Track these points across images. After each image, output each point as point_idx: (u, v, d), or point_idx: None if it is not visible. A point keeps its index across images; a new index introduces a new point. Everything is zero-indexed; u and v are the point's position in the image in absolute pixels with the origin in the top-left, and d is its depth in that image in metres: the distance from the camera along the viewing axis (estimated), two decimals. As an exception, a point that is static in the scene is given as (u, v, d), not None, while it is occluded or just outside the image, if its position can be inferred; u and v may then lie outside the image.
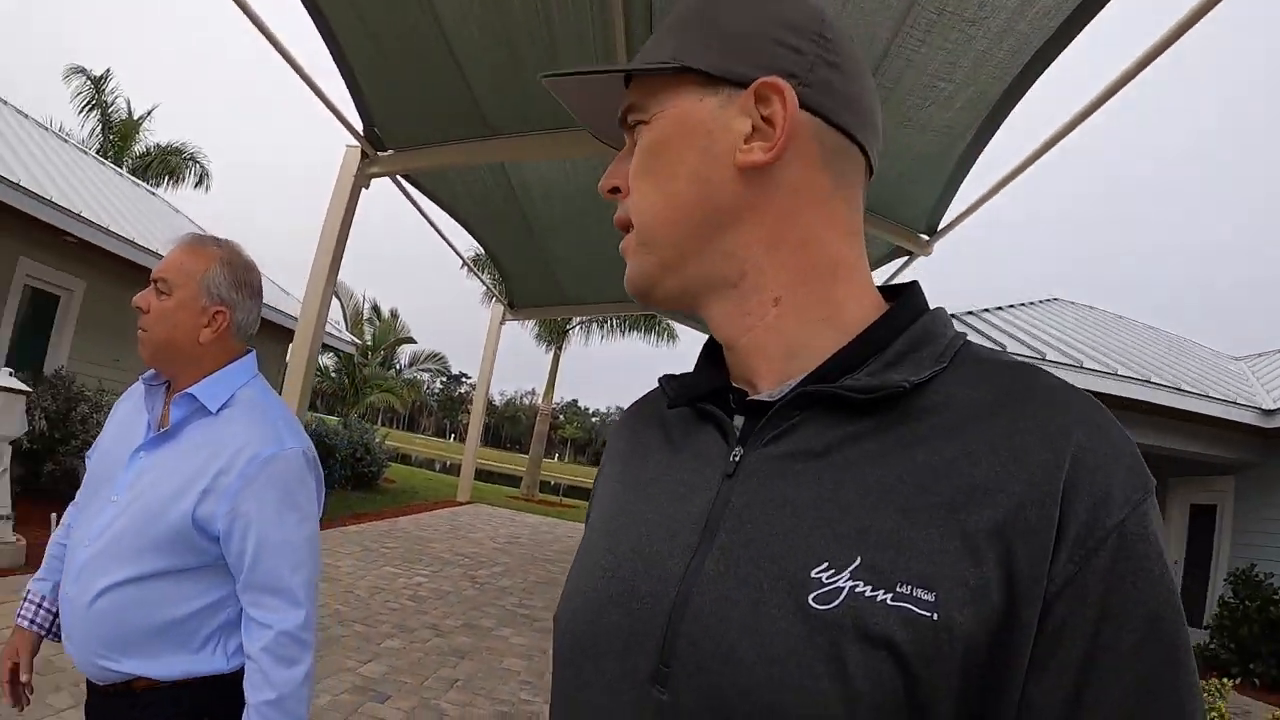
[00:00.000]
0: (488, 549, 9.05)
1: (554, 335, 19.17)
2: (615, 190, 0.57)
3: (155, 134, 18.58)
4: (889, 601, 0.40)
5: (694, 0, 0.54)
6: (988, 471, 0.42)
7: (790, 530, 0.45)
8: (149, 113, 18.02)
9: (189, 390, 1.25)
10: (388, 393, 24.28)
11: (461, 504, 13.51)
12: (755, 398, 0.52)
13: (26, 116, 9.35)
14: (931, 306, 0.53)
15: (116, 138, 16.98)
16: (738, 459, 0.50)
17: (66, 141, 10.67)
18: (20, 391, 4.70)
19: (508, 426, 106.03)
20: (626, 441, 0.63)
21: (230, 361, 1.31)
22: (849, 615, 0.40)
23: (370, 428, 13.88)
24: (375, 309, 23.43)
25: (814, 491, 0.45)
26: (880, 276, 9.56)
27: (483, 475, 21.04)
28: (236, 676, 1.22)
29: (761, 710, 0.41)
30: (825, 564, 0.42)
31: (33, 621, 1.37)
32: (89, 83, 16.58)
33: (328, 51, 5.32)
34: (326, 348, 12.63)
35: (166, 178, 17.71)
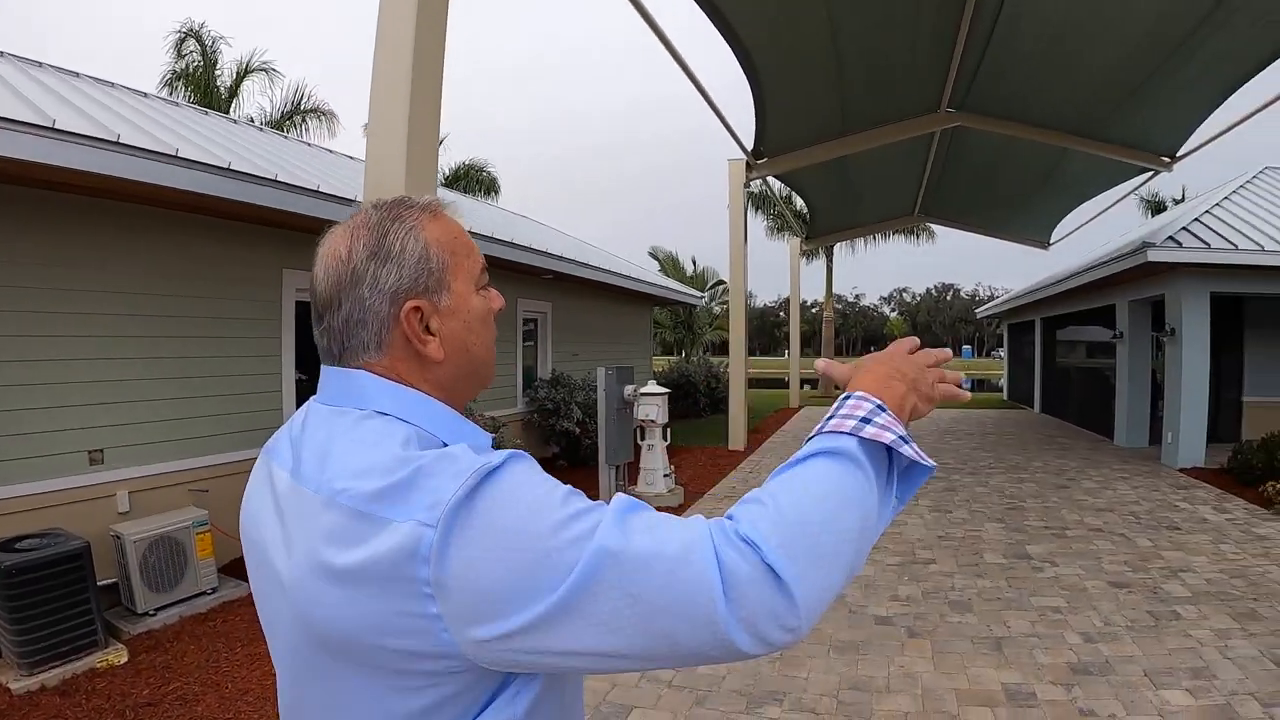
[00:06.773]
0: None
1: (820, 248, 21.23)
2: None
3: (448, 154, 20.86)
4: None
5: None
6: None
7: None
8: (441, 141, 19.56)
9: None
10: (719, 329, 30.00)
11: (796, 410, 16.73)
12: None
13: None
14: None
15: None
16: None
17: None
18: (664, 393, 6.98)
19: (756, 335, 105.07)
20: None
21: None
22: None
23: (713, 361, 16.88)
24: (693, 260, 30.33)
25: None
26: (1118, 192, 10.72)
27: (764, 383, 26.51)
28: None
29: None
30: None
31: None
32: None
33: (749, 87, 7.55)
34: (675, 303, 16.67)
35: (479, 190, 20.07)
